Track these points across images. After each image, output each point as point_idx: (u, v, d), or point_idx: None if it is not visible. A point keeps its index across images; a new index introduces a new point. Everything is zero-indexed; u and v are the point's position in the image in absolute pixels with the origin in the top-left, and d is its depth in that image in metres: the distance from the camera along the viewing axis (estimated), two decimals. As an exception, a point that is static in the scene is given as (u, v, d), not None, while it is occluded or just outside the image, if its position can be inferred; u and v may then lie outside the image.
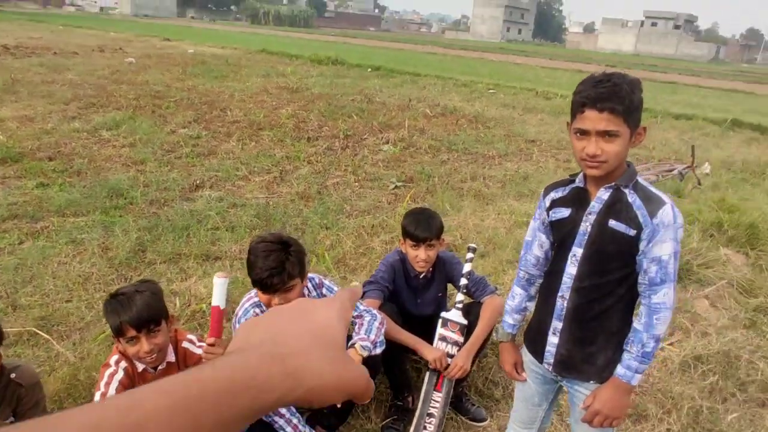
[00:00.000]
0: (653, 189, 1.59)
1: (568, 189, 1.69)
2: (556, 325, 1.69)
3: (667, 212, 1.53)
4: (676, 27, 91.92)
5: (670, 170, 6.95)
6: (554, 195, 1.72)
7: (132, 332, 1.85)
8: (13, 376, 1.94)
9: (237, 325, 2.15)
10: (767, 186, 6.97)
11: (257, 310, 2.14)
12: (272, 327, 0.44)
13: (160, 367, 2.00)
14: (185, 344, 2.09)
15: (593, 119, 1.46)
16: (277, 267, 1.99)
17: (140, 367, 1.97)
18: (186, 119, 8.13)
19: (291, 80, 13.16)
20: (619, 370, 1.60)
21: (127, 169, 5.68)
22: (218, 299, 1.86)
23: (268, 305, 2.08)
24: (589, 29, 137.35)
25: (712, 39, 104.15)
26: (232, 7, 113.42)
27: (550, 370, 1.75)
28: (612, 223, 1.56)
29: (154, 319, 1.88)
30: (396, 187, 5.68)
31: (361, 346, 2.11)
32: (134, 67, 13.89)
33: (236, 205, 4.90)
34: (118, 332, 1.87)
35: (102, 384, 1.91)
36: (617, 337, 1.64)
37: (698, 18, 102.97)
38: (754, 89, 24.70)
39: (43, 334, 2.90)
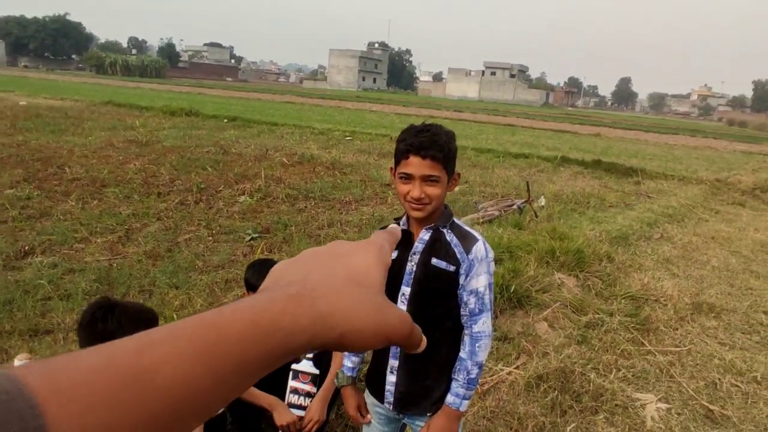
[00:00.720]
0: (467, 228, 1.74)
1: (394, 232, 1.78)
2: (393, 363, 1.75)
3: (480, 248, 1.67)
4: (512, 76, 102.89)
5: (511, 205, 7.61)
6: (382, 239, 1.80)
7: None
8: None
9: None
10: (590, 214, 7.90)
11: None
12: (304, 268, 0.42)
13: None
14: None
15: (417, 165, 1.58)
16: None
17: None
18: (14, 178, 7.34)
19: (140, 133, 12.50)
20: (449, 398, 1.68)
21: (-65, 239, 4.97)
22: None
23: None
24: (438, 78, 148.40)
25: (542, 86, 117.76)
26: (74, 57, 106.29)
27: (391, 408, 1.80)
28: (434, 261, 1.68)
29: None
30: (252, 238, 5.56)
31: None
32: (-50, 122, 12.37)
33: (73, 271, 4.47)
34: None
35: None
36: (448, 368, 1.73)
37: (529, 68, 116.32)
38: (577, 129, 28.30)
39: None
